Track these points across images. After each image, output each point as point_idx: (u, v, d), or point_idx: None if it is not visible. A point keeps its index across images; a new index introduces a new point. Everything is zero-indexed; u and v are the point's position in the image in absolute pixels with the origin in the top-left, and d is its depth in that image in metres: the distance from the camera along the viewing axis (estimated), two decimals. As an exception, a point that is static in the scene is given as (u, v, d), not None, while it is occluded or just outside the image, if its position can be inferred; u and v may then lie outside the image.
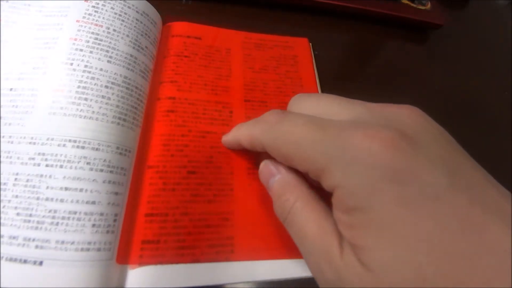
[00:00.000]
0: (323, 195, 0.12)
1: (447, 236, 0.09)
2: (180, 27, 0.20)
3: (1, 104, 0.15)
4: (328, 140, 0.11)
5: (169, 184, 0.15)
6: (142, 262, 0.13)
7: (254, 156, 0.17)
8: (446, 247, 0.09)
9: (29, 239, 0.12)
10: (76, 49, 0.16)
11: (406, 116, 0.11)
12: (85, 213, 0.13)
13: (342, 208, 0.10)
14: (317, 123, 0.12)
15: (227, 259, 0.14)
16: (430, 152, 0.10)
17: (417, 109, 0.12)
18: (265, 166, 0.14)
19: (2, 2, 0.16)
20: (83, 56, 0.15)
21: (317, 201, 0.12)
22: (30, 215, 0.13)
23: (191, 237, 0.14)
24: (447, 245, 0.09)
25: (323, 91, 0.21)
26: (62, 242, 0.12)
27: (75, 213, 0.13)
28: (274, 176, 0.13)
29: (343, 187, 0.10)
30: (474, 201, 0.09)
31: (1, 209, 0.13)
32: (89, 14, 0.17)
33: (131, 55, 0.17)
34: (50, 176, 0.13)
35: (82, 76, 0.15)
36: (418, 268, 0.09)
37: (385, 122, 0.11)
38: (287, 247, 0.15)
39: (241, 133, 0.15)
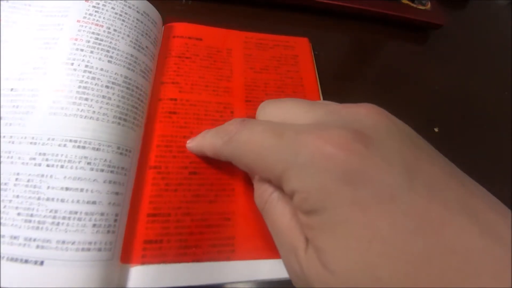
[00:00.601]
0: None
1: (402, 236, 0.08)
2: (181, 28, 0.20)
3: (2, 104, 0.14)
4: (284, 145, 0.11)
5: (171, 185, 0.15)
6: (144, 262, 0.13)
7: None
8: (402, 248, 0.08)
9: (30, 239, 0.12)
10: (77, 49, 0.16)
11: (364, 115, 0.11)
12: (86, 213, 0.13)
13: (302, 211, 0.10)
14: (275, 130, 0.11)
15: (228, 259, 0.14)
16: (386, 150, 0.10)
17: (376, 107, 0.12)
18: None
19: (2, 2, 0.16)
20: (83, 56, 0.15)
21: None
22: (31, 215, 0.13)
23: (193, 237, 0.14)
24: (402, 245, 0.08)
25: (323, 91, 0.21)
26: (63, 242, 0.12)
27: (75, 213, 0.13)
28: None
29: (299, 191, 0.10)
30: (433, 198, 0.09)
31: (2, 209, 0.13)
32: (90, 14, 0.17)
33: (132, 55, 0.17)
34: (51, 176, 0.13)
35: (83, 76, 0.15)
36: (373, 269, 0.09)
37: (343, 123, 0.11)
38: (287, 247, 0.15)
39: (204, 143, 0.15)
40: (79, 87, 0.15)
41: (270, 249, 0.15)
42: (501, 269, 0.08)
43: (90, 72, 0.15)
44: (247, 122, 0.13)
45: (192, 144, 0.16)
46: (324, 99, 0.21)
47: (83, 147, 0.14)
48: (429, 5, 0.28)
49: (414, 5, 0.28)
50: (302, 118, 0.12)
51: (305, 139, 0.10)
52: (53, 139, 0.14)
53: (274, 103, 0.14)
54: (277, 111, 0.13)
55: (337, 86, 0.23)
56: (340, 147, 0.10)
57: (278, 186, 0.11)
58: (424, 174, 0.09)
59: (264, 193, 0.13)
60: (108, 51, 0.16)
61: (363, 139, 0.10)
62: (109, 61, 0.16)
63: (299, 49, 0.22)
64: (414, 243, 0.08)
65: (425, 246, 0.08)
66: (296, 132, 0.11)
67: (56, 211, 0.13)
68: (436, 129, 0.23)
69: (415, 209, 0.09)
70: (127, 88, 0.16)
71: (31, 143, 0.14)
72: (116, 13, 0.17)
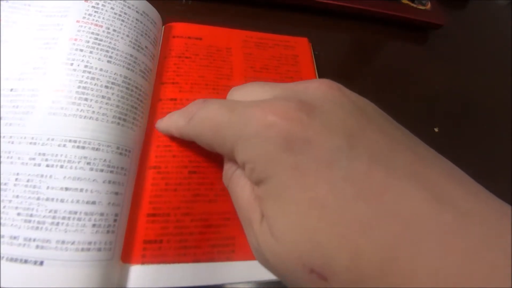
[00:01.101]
0: None
1: (341, 202, 0.08)
2: (181, 28, 0.20)
3: (2, 104, 0.14)
4: (234, 120, 0.11)
5: (171, 185, 0.15)
6: (144, 262, 0.13)
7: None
8: (341, 212, 0.08)
9: (29, 239, 0.12)
10: (76, 49, 0.16)
11: (314, 87, 0.11)
12: (86, 213, 0.13)
13: (253, 182, 0.11)
14: (228, 106, 0.12)
15: (228, 259, 0.14)
16: (330, 119, 0.10)
17: (330, 81, 0.12)
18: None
19: (2, 2, 0.16)
20: (83, 56, 0.15)
21: None
22: (31, 215, 0.13)
23: (193, 237, 0.14)
24: (341, 210, 0.08)
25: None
26: (63, 242, 0.12)
27: (75, 213, 0.13)
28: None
29: (248, 162, 0.11)
30: (375, 164, 0.09)
31: (2, 209, 0.13)
32: (89, 14, 0.16)
33: (131, 55, 0.17)
34: (50, 176, 0.13)
35: (82, 76, 0.15)
36: (312, 233, 0.09)
37: (292, 96, 0.11)
38: None
39: (170, 125, 0.15)
40: (79, 87, 0.15)
41: None
42: (448, 235, 0.07)
43: (89, 72, 0.15)
44: (206, 101, 0.13)
45: (160, 124, 0.16)
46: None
47: (83, 147, 0.14)
48: (429, 5, 0.28)
49: (414, 5, 0.28)
50: (260, 96, 0.12)
51: (251, 112, 0.11)
52: (52, 139, 0.14)
53: (240, 87, 0.14)
54: (241, 93, 0.14)
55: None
56: (282, 116, 0.10)
57: (234, 161, 0.12)
58: (367, 142, 0.09)
59: (228, 171, 0.13)
60: (107, 51, 0.16)
61: (305, 108, 0.10)
62: (108, 61, 0.16)
63: (299, 49, 0.22)
64: (353, 208, 0.08)
65: (365, 211, 0.08)
66: (245, 106, 0.11)
67: (55, 211, 0.13)
68: (436, 129, 0.23)
69: (355, 175, 0.09)
70: (127, 88, 0.16)
71: (30, 143, 0.14)
72: (115, 13, 0.17)
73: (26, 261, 0.12)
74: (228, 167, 0.13)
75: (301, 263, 0.09)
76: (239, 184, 0.12)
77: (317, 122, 0.10)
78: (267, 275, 0.14)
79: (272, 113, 0.10)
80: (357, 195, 0.08)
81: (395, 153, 0.09)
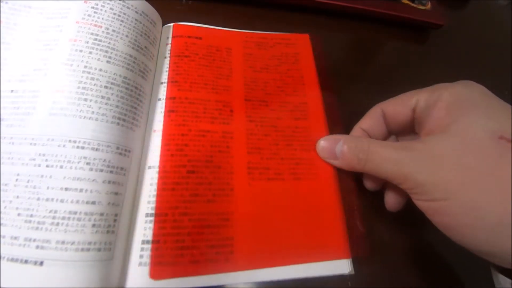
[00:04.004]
0: None
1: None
2: (181, 28, 0.20)
3: (3, 105, 0.14)
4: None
5: (169, 184, 0.15)
6: (142, 263, 0.13)
7: (254, 156, 0.17)
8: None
9: (30, 240, 0.12)
10: (76, 50, 0.15)
11: None
12: (85, 213, 0.13)
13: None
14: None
15: (227, 260, 0.14)
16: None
17: None
18: (326, 141, 0.16)
19: (2, 3, 0.16)
20: (82, 57, 0.15)
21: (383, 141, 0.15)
22: (31, 216, 0.12)
23: (191, 238, 0.14)
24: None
25: (322, 90, 0.21)
26: (63, 242, 0.12)
27: (75, 213, 0.12)
28: (338, 141, 0.15)
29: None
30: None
31: (3, 210, 0.12)
32: (89, 15, 0.16)
33: (131, 55, 0.16)
34: (50, 177, 0.13)
35: (82, 76, 0.15)
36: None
37: None
38: (288, 249, 0.14)
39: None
40: (78, 87, 0.14)
41: (269, 251, 0.14)
42: None
43: (89, 72, 0.15)
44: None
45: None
46: (323, 98, 0.20)
47: (82, 148, 0.13)
48: (429, 5, 0.27)
49: (414, 5, 0.27)
50: None
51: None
52: (52, 140, 0.13)
53: None
54: None
55: (337, 85, 0.22)
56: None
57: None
58: None
59: (362, 149, 0.14)
60: (107, 51, 0.15)
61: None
62: (108, 62, 0.15)
63: (300, 46, 0.21)
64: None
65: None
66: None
67: (55, 212, 0.12)
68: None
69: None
70: (126, 88, 0.15)
71: (31, 144, 0.13)
72: (114, 14, 0.16)
73: (26, 261, 0.12)
74: (359, 147, 0.14)
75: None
76: (380, 153, 0.13)
77: None
78: (267, 277, 0.14)
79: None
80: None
81: None
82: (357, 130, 0.17)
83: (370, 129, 0.16)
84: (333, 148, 0.16)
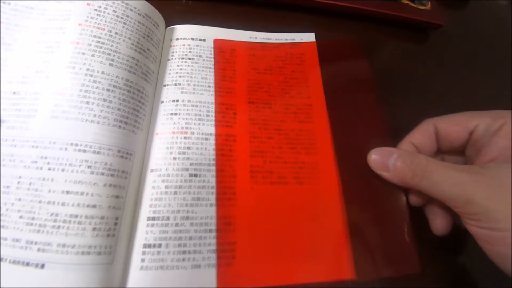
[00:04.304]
0: None
1: None
2: (184, 29, 0.20)
3: (5, 107, 0.14)
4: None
5: (171, 187, 0.14)
6: (143, 266, 0.13)
7: (257, 159, 0.16)
8: None
9: (31, 242, 0.12)
10: (78, 53, 0.15)
11: None
12: (86, 217, 0.12)
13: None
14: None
15: (229, 265, 0.13)
16: None
17: None
18: (378, 154, 0.16)
19: (3, 4, 0.16)
20: (85, 59, 0.15)
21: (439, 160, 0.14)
22: (33, 218, 0.12)
23: (192, 242, 0.14)
24: None
25: (325, 90, 0.20)
26: (63, 246, 0.12)
27: (76, 216, 0.12)
28: (392, 155, 0.15)
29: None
30: None
31: (5, 212, 0.12)
32: (91, 18, 0.16)
33: (133, 58, 0.16)
34: (52, 180, 0.13)
35: (84, 79, 0.14)
36: None
37: None
38: (290, 253, 0.14)
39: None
40: (80, 90, 0.14)
41: (272, 255, 0.14)
42: None
43: (91, 75, 0.15)
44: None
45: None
46: (326, 99, 0.20)
47: (84, 151, 0.13)
48: (429, 5, 0.27)
49: (414, 5, 0.27)
50: None
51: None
52: (54, 143, 0.13)
53: None
54: None
55: (337, 86, 0.22)
56: None
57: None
58: None
59: (419, 165, 0.14)
60: (109, 54, 0.15)
61: None
62: (110, 64, 0.15)
63: (305, 46, 0.21)
64: None
65: None
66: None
67: (57, 215, 0.12)
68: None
69: None
70: (128, 91, 0.15)
71: (33, 146, 0.13)
72: (117, 16, 0.16)
73: (28, 264, 0.12)
74: (416, 163, 0.14)
75: None
76: (438, 171, 0.13)
77: None
78: (269, 282, 0.13)
79: None
80: None
81: None
82: (407, 144, 0.16)
83: (420, 144, 0.16)
84: (386, 160, 0.15)
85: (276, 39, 0.21)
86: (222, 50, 0.20)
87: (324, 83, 0.20)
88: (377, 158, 0.16)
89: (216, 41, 0.20)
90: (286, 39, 0.21)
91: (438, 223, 0.15)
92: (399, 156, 0.15)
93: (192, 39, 0.19)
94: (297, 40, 0.21)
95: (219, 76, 0.18)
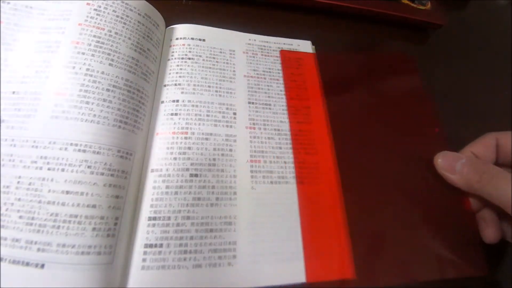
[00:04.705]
0: None
1: None
2: (184, 29, 0.20)
3: (4, 107, 0.14)
4: None
5: (172, 188, 0.14)
6: (144, 266, 0.13)
7: (257, 159, 0.16)
8: None
9: (31, 242, 0.12)
10: (78, 53, 0.15)
11: None
12: (86, 217, 0.12)
13: None
14: None
15: (230, 264, 0.13)
16: None
17: None
18: (445, 156, 0.17)
19: (2, 4, 0.16)
20: (85, 59, 0.15)
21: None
22: (33, 218, 0.12)
23: (193, 242, 0.13)
24: None
25: (325, 91, 0.20)
26: (63, 246, 0.12)
27: (76, 216, 0.12)
28: (460, 160, 0.16)
29: None
30: None
31: (4, 212, 0.12)
32: (91, 17, 0.16)
33: (133, 58, 0.16)
34: (51, 180, 0.13)
35: (84, 79, 0.14)
36: None
37: None
38: (290, 252, 0.14)
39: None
40: (80, 90, 0.14)
41: (272, 255, 0.14)
42: None
43: (91, 75, 0.15)
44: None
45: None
46: (325, 99, 0.20)
47: (84, 151, 0.13)
48: (429, 5, 0.27)
49: (414, 5, 0.27)
50: None
51: None
52: (54, 143, 0.13)
53: None
54: None
55: (337, 86, 0.22)
56: None
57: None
58: None
59: (486, 174, 0.14)
60: (109, 54, 0.15)
61: None
62: (110, 64, 0.15)
63: (302, 52, 0.21)
64: None
65: None
66: None
67: (56, 215, 0.12)
68: (436, 129, 0.22)
69: None
70: (128, 91, 0.15)
71: (32, 146, 0.13)
72: (117, 16, 0.16)
73: (27, 264, 0.11)
74: (483, 169, 0.15)
75: None
76: (501, 178, 0.14)
77: None
78: (269, 282, 0.13)
79: None
80: None
81: None
82: (467, 152, 0.17)
83: (480, 155, 0.17)
84: (453, 164, 0.16)
85: (274, 43, 0.21)
86: (221, 50, 0.20)
87: (323, 85, 0.20)
88: (444, 160, 0.17)
89: (216, 41, 0.20)
90: (285, 44, 0.21)
91: (490, 231, 0.16)
92: (468, 161, 0.16)
93: (192, 39, 0.19)
94: (295, 46, 0.21)
95: (219, 77, 0.18)
